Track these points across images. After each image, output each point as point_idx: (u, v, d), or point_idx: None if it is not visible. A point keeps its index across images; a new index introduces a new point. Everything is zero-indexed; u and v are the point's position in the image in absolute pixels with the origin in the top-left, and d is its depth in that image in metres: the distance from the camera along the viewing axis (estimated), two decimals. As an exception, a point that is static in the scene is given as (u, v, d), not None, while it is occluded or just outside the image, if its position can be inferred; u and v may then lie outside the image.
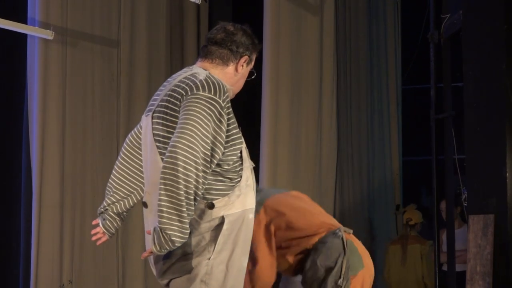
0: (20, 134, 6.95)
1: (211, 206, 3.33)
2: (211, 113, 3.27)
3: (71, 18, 6.86)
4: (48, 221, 6.58)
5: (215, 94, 3.30)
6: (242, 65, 3.54)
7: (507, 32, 5.21)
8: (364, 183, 8.28)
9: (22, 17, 6.61)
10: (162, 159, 3.31)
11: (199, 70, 3.45)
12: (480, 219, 5.21)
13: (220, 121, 3.30)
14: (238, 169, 3.41)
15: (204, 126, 3.24)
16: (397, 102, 8.58)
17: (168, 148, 3.21)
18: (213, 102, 3.29)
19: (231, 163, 3.38)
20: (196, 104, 3.27)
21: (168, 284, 3.47)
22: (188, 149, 3.18)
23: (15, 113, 7.04)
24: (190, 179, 3.18)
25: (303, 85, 7.33)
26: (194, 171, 3.18)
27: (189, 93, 3.30)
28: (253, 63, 3.61)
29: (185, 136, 3.20)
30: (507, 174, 5.09)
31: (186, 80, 3.38)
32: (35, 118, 6.60)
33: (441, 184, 6.60)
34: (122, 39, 7.27)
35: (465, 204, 6.19)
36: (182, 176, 3.17)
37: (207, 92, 3.29)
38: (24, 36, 6.70)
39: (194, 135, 3.21)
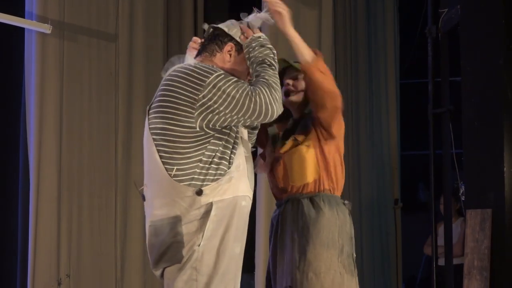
0: (17, 129, 6.94)
1: (199, 192, 3.35)
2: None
3: (68, 12, 6.85)
4: (46, 216, 6.59)
5: (215, 72, 3.38)
6: (230, 53, 3.56)
7: (505, 27, 5.22)
8: (362, 177, 8.29)
9: (19, 11, 6.61)
10: (158, 150, 3.39)
11: (187, 62, 3.54)
12: (478, 214, 5.22)
13: None
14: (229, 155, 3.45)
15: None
16: (395, 97, 8.58)
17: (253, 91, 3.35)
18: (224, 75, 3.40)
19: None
20: (218, 88, 3.34)
21: (162, 274, 3.50)
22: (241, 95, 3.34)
23: (12, 107, 7.03)
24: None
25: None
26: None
27: (201, 88, 3.33)
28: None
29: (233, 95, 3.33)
30: (505, 169, 5.10)
31: (181, 74, 3.41)
32: (33, 112, 6.59)
33: (438, 179, 6.60)
34: (120, 33, 7.27)
35: (463, 199, 6.20)
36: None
37: (212, 76, 3.35)
38: (21, 30, 6.69)
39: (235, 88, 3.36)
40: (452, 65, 6.47)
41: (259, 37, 3.58)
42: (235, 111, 3.33)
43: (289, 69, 4.16)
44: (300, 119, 4.12)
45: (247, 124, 3.45)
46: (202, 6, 8.15)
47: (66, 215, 6.74)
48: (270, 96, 3.36)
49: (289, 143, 4.03)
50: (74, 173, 6.85)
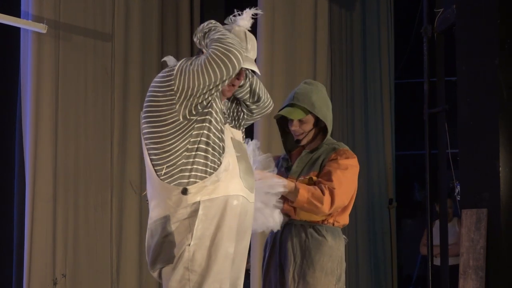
0: (13, 129, 6.93)
1: (184, 191, 3.40)
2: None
3: (64, 11, 6.85)
4: (42, 215, 6.58)
5: (178, 62, 3.49)
6: None
7: (500, 27, 5.22)
8: (357, 177, 8.28)
9: (15, 11, 6.60)
10: (149, 154, 3.46)
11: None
12: (473, 213, 5.23)
13: None
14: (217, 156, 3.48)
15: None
16: (390, 96, 8.58)
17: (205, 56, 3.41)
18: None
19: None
20: (184, 72, 3.42)
21: (159, 275, 3.51)
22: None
23: (8, 107, 7.02)
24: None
25: (297, 82, 7.32)
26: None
27: (172, 82, 3.41)
28: None
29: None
30: (500, 169, 5.10)
31: (156, 79, 3.51)
32: (28, 112, 6.59)
33: (434, 179, 6.61)
34: (116, 33, 7.26)
35: (458, 199, 6.20)
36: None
37: (176, 66, 3.44)
38: (17, 30, 6.68)
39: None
40: (448, 65, 6.48)
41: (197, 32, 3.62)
42: (207, 81, 3.37)
43: (287, 118, 4.27)
44: (314, 151, 4.25)
45: (225, 82, 3.47)
46: (198, 6, 8.15)
47: (61, 215, 6.74)
48: (222, 46, 3.38)
49: (305, 180, 4.15)
50: (70, 173, 6.84)
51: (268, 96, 3.85)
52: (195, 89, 3.37)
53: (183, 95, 3.38)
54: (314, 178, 4.14)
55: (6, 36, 6.91)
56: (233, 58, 3.37)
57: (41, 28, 6.51)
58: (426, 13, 6.67)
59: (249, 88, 3.72)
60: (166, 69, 3.48)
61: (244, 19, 3.65)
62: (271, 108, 3.92)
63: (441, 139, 6.47)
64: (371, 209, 8.39)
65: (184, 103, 3.39)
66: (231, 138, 3.57)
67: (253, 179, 3.65)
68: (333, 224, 4.15)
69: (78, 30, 6.97)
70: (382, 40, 8.55)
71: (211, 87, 3.39)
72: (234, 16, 3.66)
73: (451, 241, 7.02)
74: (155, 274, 3.54)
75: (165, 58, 3.65)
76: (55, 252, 6.66)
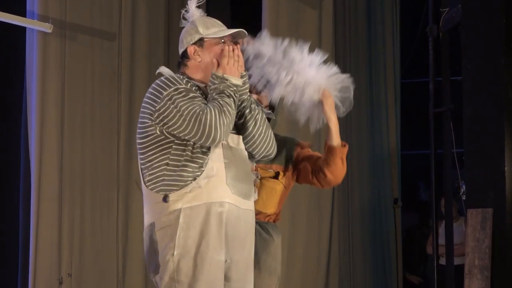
0: (18, 128, 6.94)
1: (165, 198, 3.36)
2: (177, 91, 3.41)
3: (70, 10, 6.85)
4: (47, 215, 6.59)
5: (175, 85, 3.41)
6: (197, 54, 3.55)
7: (506, 26, 5.22)
8: (362, 177, 8.29)
9: (20, 10, 6.61)
10: (140, 163, 3.47)
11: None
12: (479, 213, 5.22)
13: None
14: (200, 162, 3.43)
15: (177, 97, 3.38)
16: (396, 96, 8.58)
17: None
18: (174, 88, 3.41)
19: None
20: (173, 101, 3.36)
21: (156, 283, 3.49)
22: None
23: (13, 107, 7.03)
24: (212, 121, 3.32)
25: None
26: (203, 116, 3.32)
27: (158, 100, 3.39)
28: (212, 40, 3.58)
29: (177, 116, 3.33)
30: (506, 168, 5.10)
31: (149, 89, 3.49)
32: (34, 112, 6.59)
33: (439, 178, 6.60)
34: (123, 32, 7.27)
35: (464, 198, 6.20)
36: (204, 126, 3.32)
37: (171, 89, 3.39)
38: (23, 29, 6.69)
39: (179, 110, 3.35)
40: (453, 64, 6.47)
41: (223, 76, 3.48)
42: (182, 128, 3.33)
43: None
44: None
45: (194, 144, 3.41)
46: (205, 5, 8.14)
47: (67, 214, 6.75)
48: (217, 118, 3.31)
49: (271, 173, 4.03)
50: (76, 172, 6.85)
51: (269, 144, 3.65)
52: (169, 123, 3.35)
53: (159, 118, 3.37)
54: (281, 173, 4.04)
55: (11, 35, 6.92)
56: (211, 135, 3.30)
57: (47, 27, 6.51)
58: (431, 13, 6.66)
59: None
60: (160, 81, 3.44)
61: (194, 11, 3.66)
62: (272, 157, 3.76)
63: (447, 139, 6.46)
64: (376, 209, 8.39)
65: (160, 124, 3.38)
66: (222, 144, 3.46)
67: (248, 185, 3.53)
68: (274, 221, 4.08)
69: (84, 29, 6.97)
70: (387, 39, 8.55)
71: (181, 134, 3.35)
72: (184, 15, 3.67)
73: (457, 241, 7.01)
74: (154, 281, 3.51)
75: (159, 69, 3.60)
76: (60, 252, 6.67)
